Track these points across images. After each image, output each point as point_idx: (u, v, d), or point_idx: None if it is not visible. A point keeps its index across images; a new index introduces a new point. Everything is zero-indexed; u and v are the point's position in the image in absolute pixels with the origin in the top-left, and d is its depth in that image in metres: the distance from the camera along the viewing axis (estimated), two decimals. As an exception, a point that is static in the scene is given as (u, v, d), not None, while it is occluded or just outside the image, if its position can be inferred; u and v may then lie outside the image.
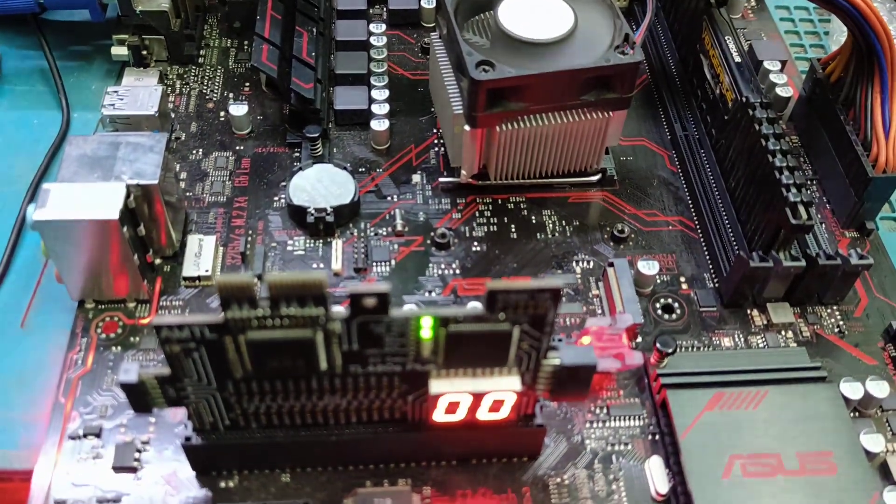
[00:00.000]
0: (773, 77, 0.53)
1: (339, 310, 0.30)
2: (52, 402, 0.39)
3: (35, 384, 0.41)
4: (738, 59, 0.48)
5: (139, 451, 0.38)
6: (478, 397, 0.34)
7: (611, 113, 0.45)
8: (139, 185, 0.41)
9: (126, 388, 0.33)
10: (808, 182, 0.49)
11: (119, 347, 0.42)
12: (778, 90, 0.52)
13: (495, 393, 0.34)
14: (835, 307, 0.45)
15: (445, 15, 0.46)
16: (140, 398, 0.33)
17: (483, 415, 0.35)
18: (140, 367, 0.32)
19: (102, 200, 0.39)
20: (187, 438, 0.36)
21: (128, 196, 0.40)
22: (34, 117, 0.53)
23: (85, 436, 0.38)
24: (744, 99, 0.45)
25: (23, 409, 0.40)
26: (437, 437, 0.37)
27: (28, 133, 0.52)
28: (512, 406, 0.35)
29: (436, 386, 0.34)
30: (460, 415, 0.35)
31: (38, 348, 0.42)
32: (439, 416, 0.35)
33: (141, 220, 0.42)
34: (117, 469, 0.37)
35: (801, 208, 0.41)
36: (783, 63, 0.54)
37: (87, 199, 0.39)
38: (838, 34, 0.60)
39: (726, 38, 0.50)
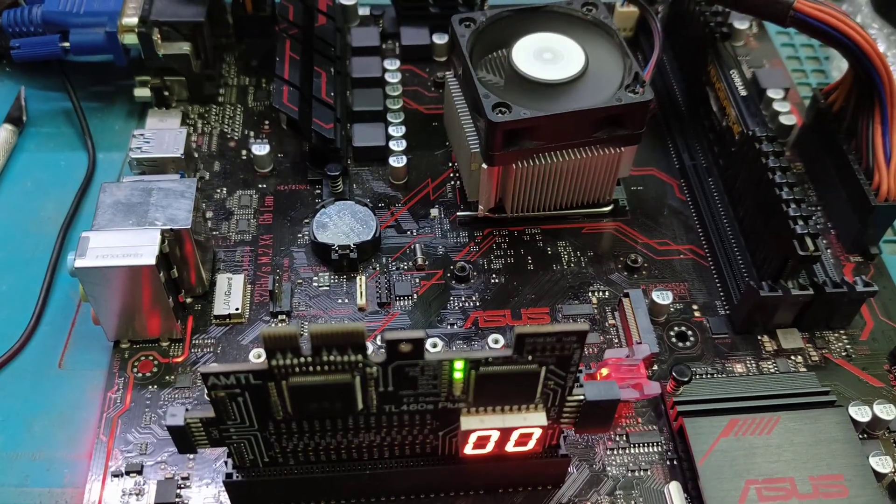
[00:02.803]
0: (776, 105, 0.54)
1: (376, 355, 0.32)
2: (93, 441, 0.41)
3: (76, 423, 0.42)
4: (743, 93, 0.50)
5: (180, 486, 0.40)
6: (506, 432, 0.36)
7: (622, 148, 0.47)
8: (172, 230, 0.42)
9: (172, 430, 0.34)
10: (814, 210, 0.51)
11: (155, 386, 0.43)
12: (782, 118, 0.54)
13: (523, 428, 0.35)
14: (842, 332, 0.46)
15: (461, 57, 0.47)
16: (185, 440, 0.35)
17: (510, 447, 0.37)
18: (186, 411, 0.34)
19: (139, 247, 0.41)
20: (228, 475, 0.37)
21: (163, 242, 0.42)
22: (61, 159, 0.54)
23: (127, 473, 0.40)
24: (750, 132, 0.47)
25: (65, 448, 0.41)
26: (466, 469, 0.38)
27: (56, 175, 0.53)
28: (538, 439, 0.36)
29: (466, 423, 0.35)
30: (489, 448, 0.37)
31: (76, 388, 0.44)
32: (469, 450, 0.37)
33: (174, 263, 0.43)
34: (160, 505, 0.39)
35: (809, 240, 0.42)
36: (786, 91, 0.56)
37: (124, 245, 0.41)
38: (839, 59, 0.62)
39: (731, 71, 0.51)
